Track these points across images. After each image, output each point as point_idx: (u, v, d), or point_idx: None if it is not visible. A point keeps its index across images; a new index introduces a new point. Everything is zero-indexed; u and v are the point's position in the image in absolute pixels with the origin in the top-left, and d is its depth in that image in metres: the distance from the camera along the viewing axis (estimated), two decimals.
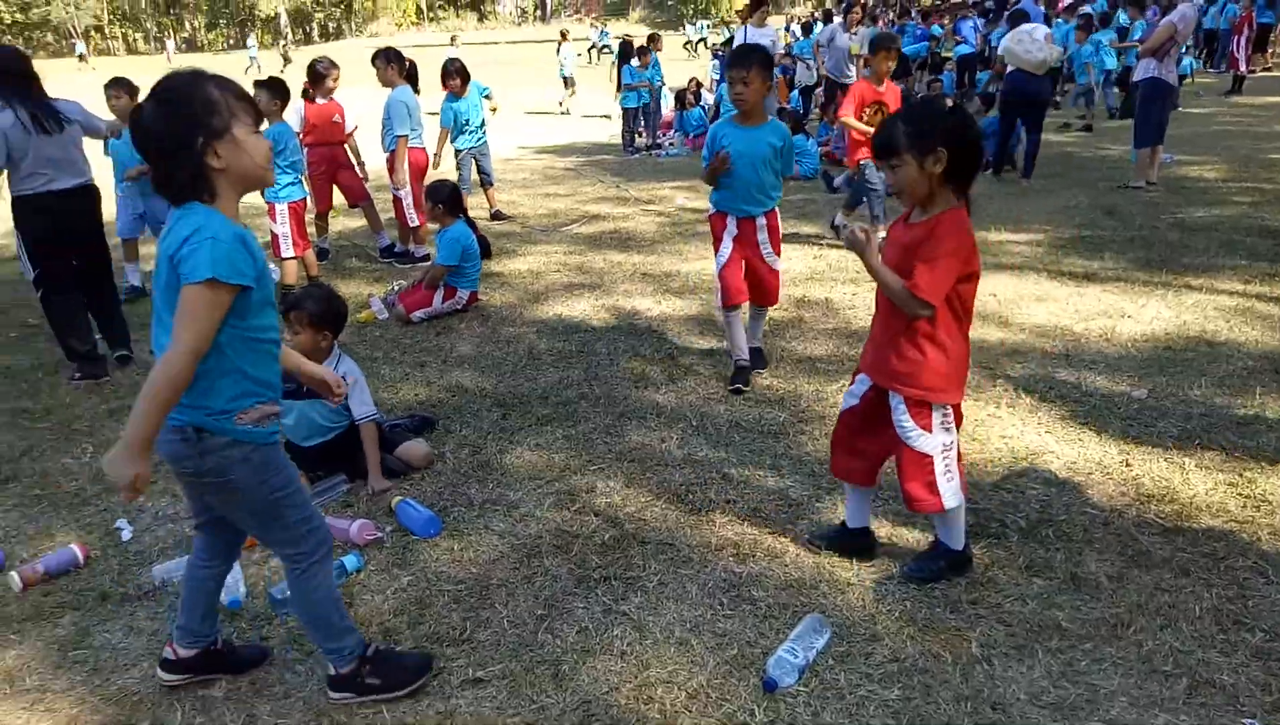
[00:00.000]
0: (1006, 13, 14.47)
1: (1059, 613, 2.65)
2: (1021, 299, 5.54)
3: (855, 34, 12.33)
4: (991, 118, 10.55)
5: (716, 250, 4.43)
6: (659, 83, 13.26)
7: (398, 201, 7.22)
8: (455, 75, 8.03)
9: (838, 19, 14.06)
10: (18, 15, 57.68)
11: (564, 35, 19.19)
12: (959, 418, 2.72)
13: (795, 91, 15.05)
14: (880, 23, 18.95)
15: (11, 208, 4.80)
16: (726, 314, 4.42)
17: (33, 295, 5.88)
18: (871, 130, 6.34)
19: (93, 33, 58.32)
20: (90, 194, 4.98)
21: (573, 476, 3.63)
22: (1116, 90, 14.01)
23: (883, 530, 3.11)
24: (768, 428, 3.96)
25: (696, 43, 37.42)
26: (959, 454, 2.71)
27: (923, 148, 2.46)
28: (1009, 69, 9.06)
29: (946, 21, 18.66)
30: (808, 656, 2.46)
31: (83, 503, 3.67)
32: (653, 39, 13.93)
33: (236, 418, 2.08)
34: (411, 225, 7.32)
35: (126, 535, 3.37)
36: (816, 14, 23.61)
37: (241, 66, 31.27)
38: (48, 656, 2.70)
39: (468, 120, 8.25)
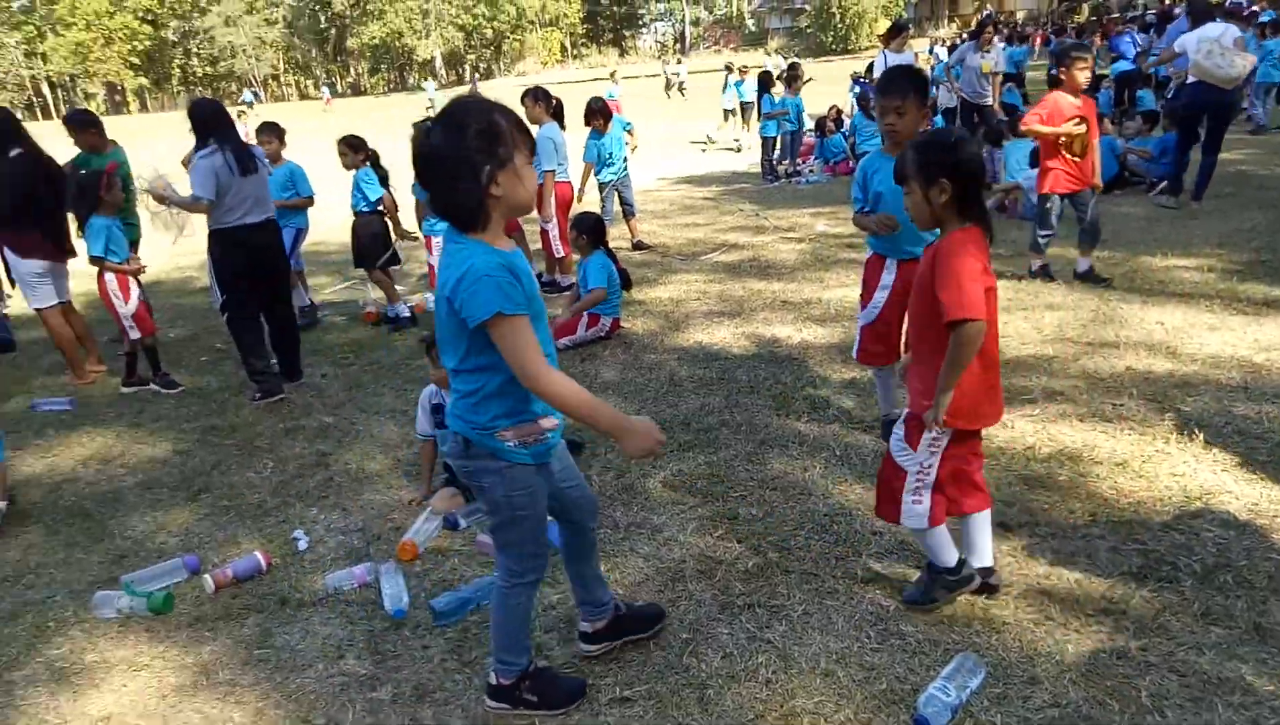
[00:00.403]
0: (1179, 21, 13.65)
1: (1242, 665, 2.48)
2: (1192, 327, 5.21)
3: (988, 52, 11.95)
4: (1159, 137, 9.99)
5: (865, 302, 3.94)
6: (800, 111, 13.23)
7: (544, 233, 7.53)
8: (598, 114, 8.31)
9: (968, 40, 13.69)
10: (208, 68, 63.63)
11: (739, 69, 18.95)
12: (975, 448, 2.77)
13: (939, 115, 14.68)
14: (1029, 42, 18.27)
15: (210, 240, 5.30)
16: (873, 370, 4.16)
17: (220, 322, 6.43)
18: (1072, 155, 5.99)
19: (270, 81, 63.40)
20: (275, 227, 5.48)
21: (715, 503, 3.67)
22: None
23: (1023, 574, 2.99)
24: None
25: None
26: (943, 483, 2.70)
27: (928, 178, 2.56)
28: (1189, 79, 8.49)
29: (1098, 40, 17.79)
30: (961, 696, 2.40)
31: (264, 514, 3.99)
32: (793, 68, 13.93)
33: (499, 434, 2.24)
34: (557, 256, 7.61)
35: (303, 545, 3.64)
36: (963, 35, 23.00)
37: (417, 105, 33.16)
38: (236, 654, 2.95)
39: (610, 154, 8.52)
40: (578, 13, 65.53)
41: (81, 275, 6.47)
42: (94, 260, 5.66)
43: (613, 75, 27.75)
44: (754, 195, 12.02)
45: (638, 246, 8.98)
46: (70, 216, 6.02)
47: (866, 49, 44.08)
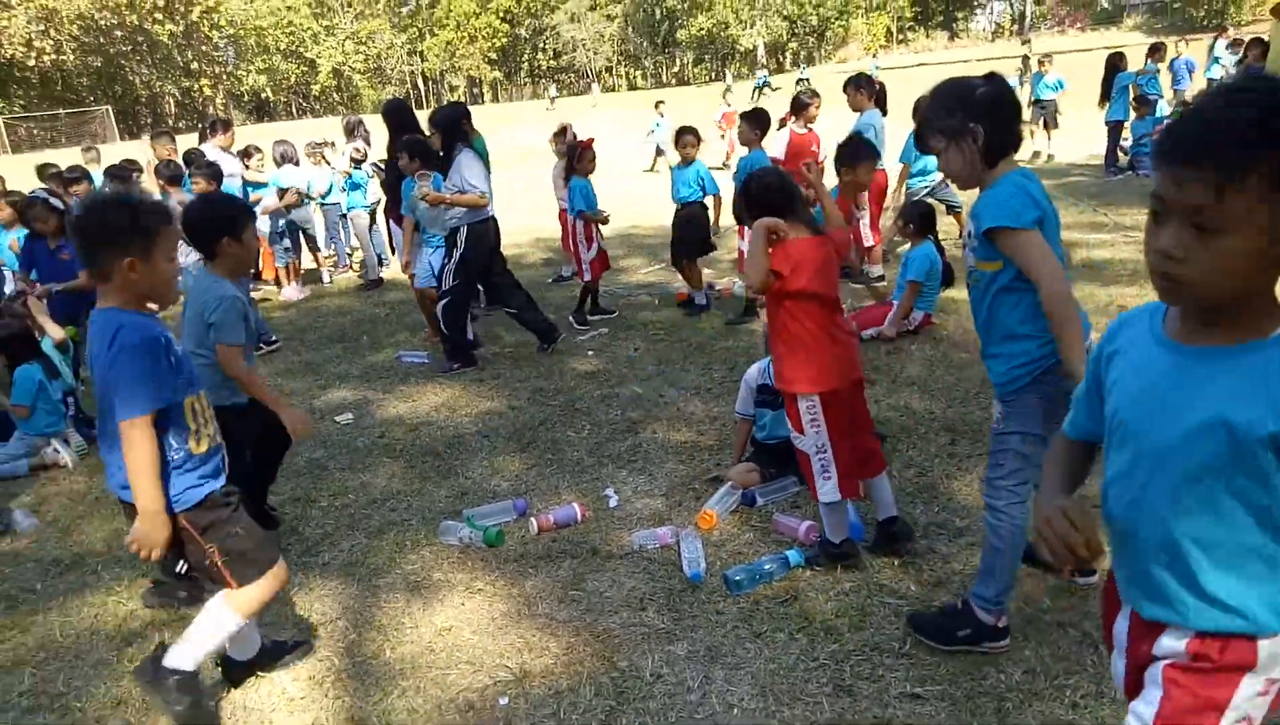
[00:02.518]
0: None
1: None
2: None
3: None
4: None
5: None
6: (1156, 94, 11.85)
7: (855, 223, 7.42)
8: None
9: None
10: (552, 61, 69.51)
11: (1039, 60, 16.67)
12: (857, 410, 3.20)
13: None
14: None
15: (466, 233, 5.94)
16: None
17: (557, 295, 7.07)
18: None
19: (603, 72, 67.83)
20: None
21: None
22: None
23: None
24: None
25: (759, 89, 31.29)
26: (838, 455, 3.05)
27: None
28: None
29: None
30: None
31: (582, 470, 4.37)
32: (1155, 49, 12.48)
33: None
34: (866, 245, 7.47)
35: (613, 503, 3.95)
36: None
37: (719, 93, 34.06)
38: (553, 591, 3.29)
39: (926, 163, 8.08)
40: None
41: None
42: (580, 214, 6.86)
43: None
44: (1092, 189, 10.98)
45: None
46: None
47: (1247, 24, 38.14)
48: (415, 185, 6.04)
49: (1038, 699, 2.48)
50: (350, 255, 11.09)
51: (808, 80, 31.81)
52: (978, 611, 2.67)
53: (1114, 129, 11.84)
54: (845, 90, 7.66)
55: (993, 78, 2.49)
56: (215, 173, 7.41)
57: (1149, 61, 12.30)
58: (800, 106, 7.56)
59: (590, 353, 6.39)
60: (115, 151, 14.27)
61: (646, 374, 5.76)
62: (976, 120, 2.40)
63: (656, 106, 20.59)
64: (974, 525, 3.41)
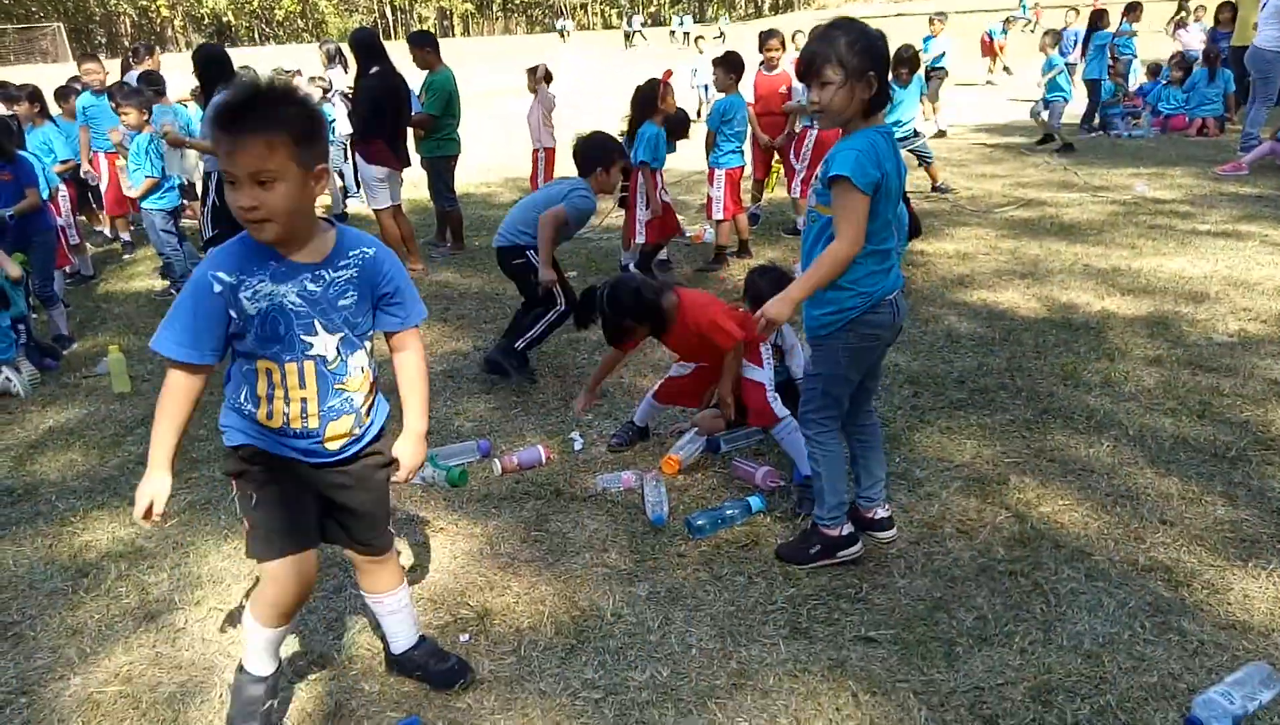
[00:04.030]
0: None
1: None
2: None
3: None
4: None
5: None
6: (1130, 55, 11.84)
7: (793, 173, 7.35)
8: (904, 65, 7.78)
9: None
10: None
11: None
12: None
13: None
14: None
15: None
16: None
17: None
18: None
19: (578, 9, 66.32)
20: None
21: (983, 465, 3.54)
22: None
23: None
24: (1222, 452, 3.49)
25: (694, 37, 27.41)
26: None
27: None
28: None
29: None
30: (1246, 706, 2.19)
31: (547, 413, 4.36)
32: (1130, 8, 12.42)
33: None
34: (794, 197, 7.42)
35: (578, 447, 3.95)
36: None
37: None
38: (516, 532, 3.30)
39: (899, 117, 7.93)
40: None
41: (409, 183, 7.30)
42: (640, 165, 6.23)
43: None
44: (1066, 148, 11.01)
45: (938, 190, 8.55)
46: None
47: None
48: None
49: (986, 644, 2.54)
50: None
51: (723, 35, 31.43)
52: (821, 529, 2.92)
53: (1092, 87, 11.83)
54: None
55: (882, 37, 2.56)
56: (146, 101, 6.82)
57: (1124, 21, 12.27)
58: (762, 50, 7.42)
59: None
60: (66, 71, 13.66)
61: None
62: (878, 71, 2.50)
63: (696, 43, 18.71)
64: (933, 476, 3.47)
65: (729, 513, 3.25)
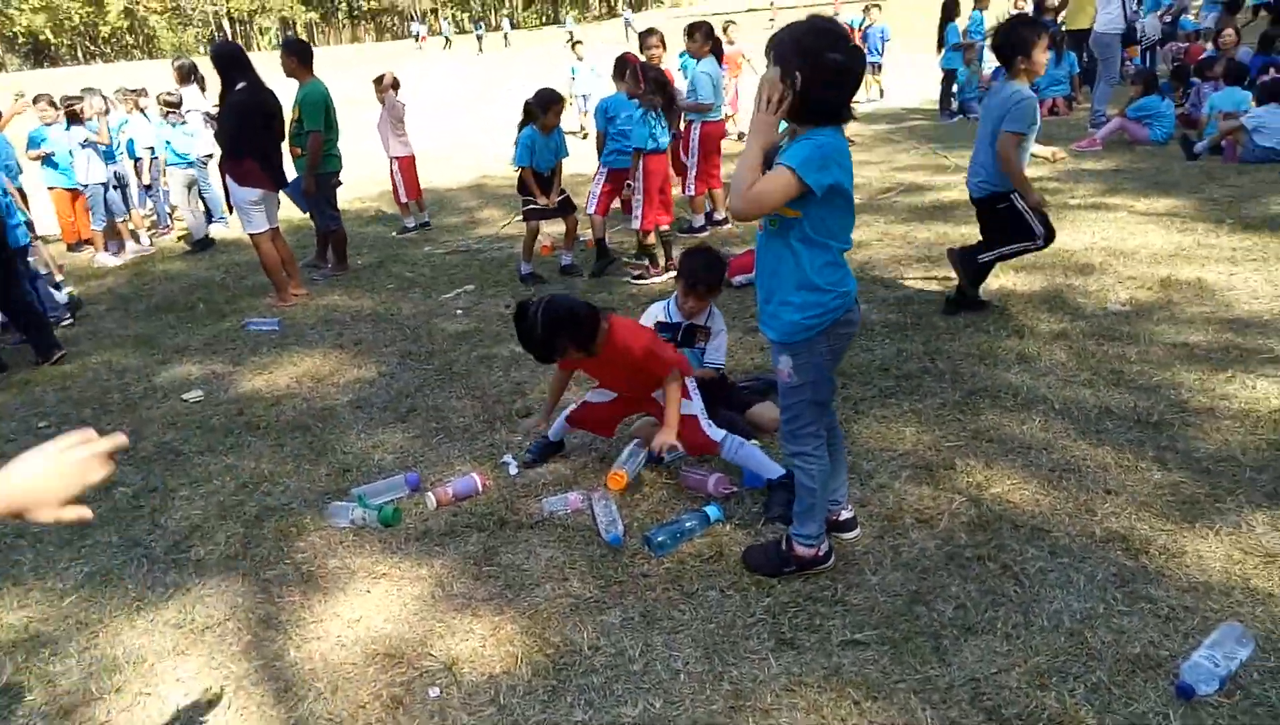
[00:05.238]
0: None
1: None
2: None
3: None
4: None
5: None
6: (981, 41, 12.43)
7: (685, 171, 7.39)
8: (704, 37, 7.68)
9: None
10: (373, 3, 65.73)
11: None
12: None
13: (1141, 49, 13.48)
14: None
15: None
16: None
17: (410, 253, 6.69)
18: None
19: (429, 15, 64.85)
20: None
21: (926, 451, 3.57)
22: None
23: None
24: (1145, 417, 3.63)
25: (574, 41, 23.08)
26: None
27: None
28: None
29: None
30: (1229, 666, 2.26)
31: (473, 437, 4.15)
32: None
33: None
34: (688, 194, 7.47)
35: (513, 470, 3.77)
36: None
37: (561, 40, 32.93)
38: (466, 569, 3.10)
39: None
40: None
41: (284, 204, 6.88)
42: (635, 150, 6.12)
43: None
44: (931, 133, 11.46)
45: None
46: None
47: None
48: None
49: (972, 634, 2.54)
50: (171, 214, 10.15)
51: (629, 24, 31.24)
52: (800, 549, 2.82)
53: (948, 76, 12.36)
54: (691, 37, 7.51)
55: (813, 30, 2.46)
56: None
57: (975, 10, 12.87)
58: (642, 49, 7.35)
59: (459, 312, 6.11)
60: None
61: None
62: (804, 68, 2.38)
63: (575, 47, 16.61)
64: (881, 467, 3.47)
65: (688, 525, 3.15)
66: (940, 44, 12.34)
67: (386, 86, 8.53)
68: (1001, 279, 5.53)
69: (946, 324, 4.88)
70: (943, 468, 3.42)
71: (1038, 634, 2.50)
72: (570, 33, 28.37)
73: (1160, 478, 3.20)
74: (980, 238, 4.96)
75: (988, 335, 4.66)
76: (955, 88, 12.77)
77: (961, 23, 12.76)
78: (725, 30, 11.97)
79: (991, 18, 12.93)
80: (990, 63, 13.30)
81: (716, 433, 3.39)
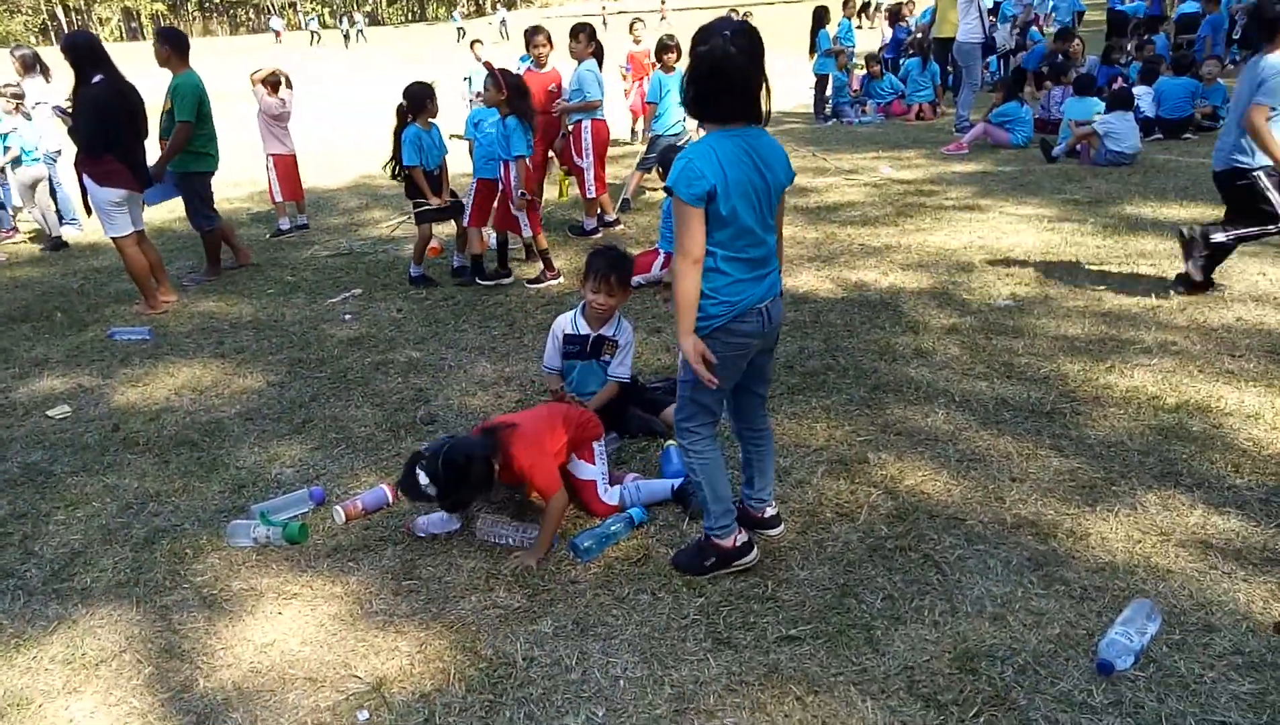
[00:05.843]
0: None
1: None
2: None
3: None
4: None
5: None
6: (851, 46, 12.91)
7: (581, 172, 7.33)
8: (674, 51, 7.74)
9: None
10: None
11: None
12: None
13: (994, 57, 14.31)
14: None
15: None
16: None
17: (290, 256, 6.38)
18: None
19: (286, 8, 62.25)
20: None
21: (839, 446, 3.64)
22: None
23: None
24: (1038, 407, 3.83)
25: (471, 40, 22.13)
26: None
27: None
28: None
29: None
30: (1142, 641, 2.39)
31: (376, 447, 3.98)
32: (846, 1, 13.54)
33: None
34: (589, 197, 7.44)
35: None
36: None
37: (446, 38, 31.50)
38: (385, 584, 2.96)
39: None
40: None
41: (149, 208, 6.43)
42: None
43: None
44: (808, 136, 11.80)
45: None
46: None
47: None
48: None
49: (901, 623, 2.60)
50: (14, 216, 9.34)
51: (505, 23, 30.60)
52: (714, 541, 2.85)
53: (820, 81, 12.76)
54: (574, 38, 7.43)
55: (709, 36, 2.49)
56: None
57: (844, 18, 13.35)
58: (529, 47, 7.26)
59: (347, 317, 5.86)
60: None
61: (419, 337, 5.38)
62: (691, 73, 2.49)
63: (474, 46, 14.85)
64: (798, 463, 3.53)
65: (613, 529, 3.11)
66: (812, 50, 12.72)
67: (257, 81, 8.09)
68: (891, 277, 5.74)
69: (843, 321, 5.01)
70: (857, 462, 3.50)
71: (963, 620, 2.59)
72: (461, 29, 26.62)
73: (1059, 464, 3.37)
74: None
75: (884, 331, 4.82)
76: (829, 92, 13.19)
77: (831, 29, 13.18)
78: (631, 29, 11.93)
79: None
80: (860, 70, 13.87)
81: (613, 497, 3.30)
